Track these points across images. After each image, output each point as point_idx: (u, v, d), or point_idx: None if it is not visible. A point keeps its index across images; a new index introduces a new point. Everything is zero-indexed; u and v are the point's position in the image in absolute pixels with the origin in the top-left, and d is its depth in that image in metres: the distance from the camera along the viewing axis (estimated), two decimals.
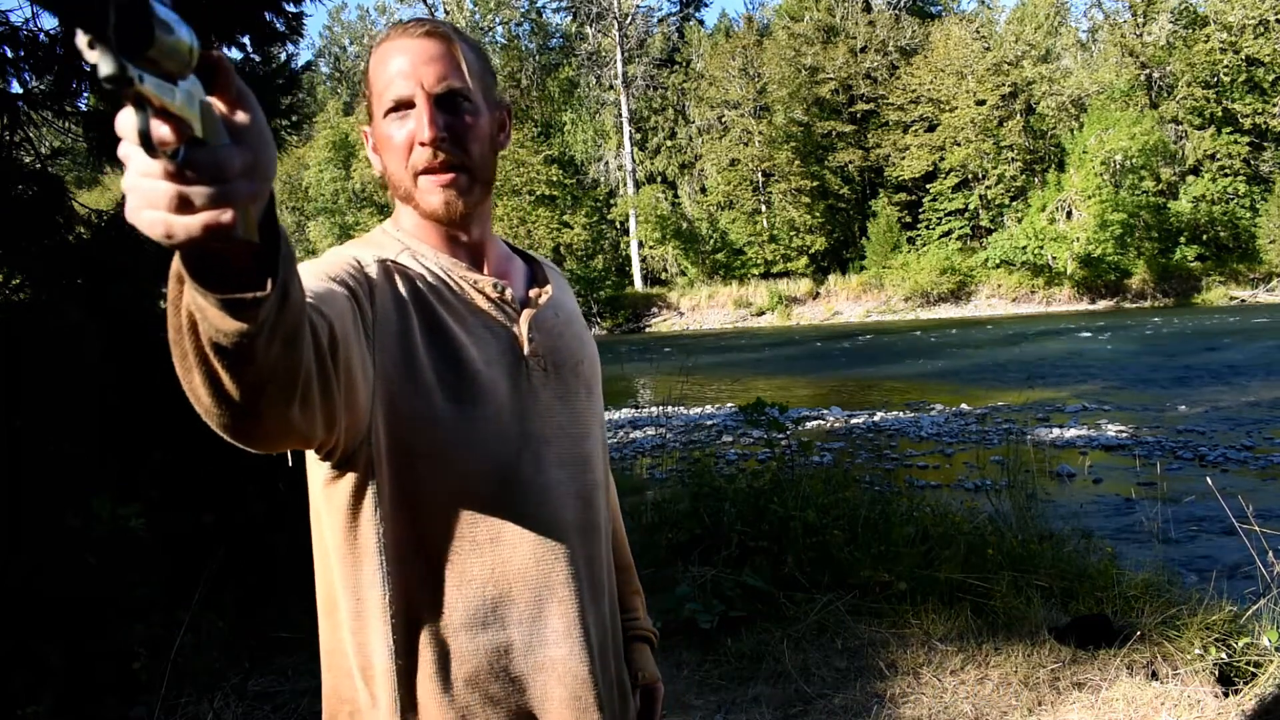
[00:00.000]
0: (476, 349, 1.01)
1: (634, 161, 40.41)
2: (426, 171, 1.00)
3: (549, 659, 1.01)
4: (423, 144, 0.99)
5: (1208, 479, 4.31)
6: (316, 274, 0.91)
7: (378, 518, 0.96)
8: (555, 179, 38.60)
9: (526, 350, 1.05)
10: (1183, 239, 31.32)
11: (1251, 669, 2.90)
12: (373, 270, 0.97)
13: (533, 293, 1.11)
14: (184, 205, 0.52)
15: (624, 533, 1.33)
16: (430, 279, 1.02)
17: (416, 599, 0.98)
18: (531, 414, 1.03)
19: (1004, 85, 34.44)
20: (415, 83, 0.99)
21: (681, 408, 10.95)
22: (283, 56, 4.62)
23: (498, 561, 0.99)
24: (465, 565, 0.98)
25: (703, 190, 39.50)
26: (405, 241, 1.06)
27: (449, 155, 1.00)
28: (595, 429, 1.13)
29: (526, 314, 1.07)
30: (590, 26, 41.22)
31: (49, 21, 5.69)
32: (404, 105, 1.00)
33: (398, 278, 0.99)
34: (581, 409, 1.10)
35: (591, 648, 1.04)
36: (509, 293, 1.07)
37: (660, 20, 43.85)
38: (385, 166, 1.04)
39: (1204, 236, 31.49)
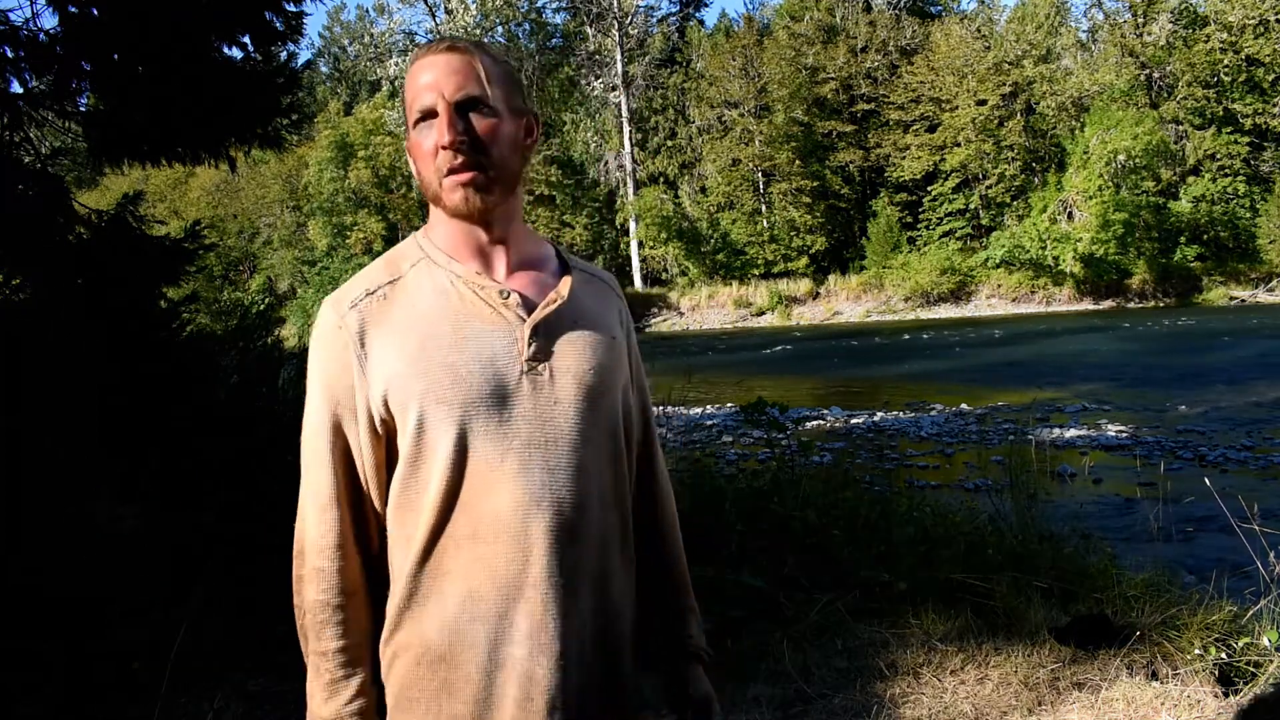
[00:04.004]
0: (470, 355, 1.08)
1: (634, 161, 40.39)
2: (450, 172, 1.10)
3: (510, 657, 1.07)
4: (443, 147, 1.09)
5: (1205, 480, 4.31)
6: (319, 440, 1.12)
7: (387, 511, 1.13)
8: (555, 179, 38.60)
9: (524, 357, 1.10)
10: (1183, 239, 31.29)
11: (1251, 669, 2.89)
12: (353, 325, 1.10)
13: (546, 299, 1.15)
14: None
15: (678, 545, 1.33)
16: (437, 290, 1.12)
17: (403, 587, 1.09)
18: (521, 419, 1.08)
19: (1005, 85, 34.43)
20: (437, 93, 1.10)
21: (681, 408, 10.95)
22: (283, 56, 4.62)
23: (472, 558, 1.07)
24: (444, 559, 1.08)
25: (703, 190, 39.48)
26: (426, 249, 1.16)
27: (468, 156, 1.09)
28: (596, 437, 1.13)
29: (532, 320, 1.12)
30: (590, 26, 41.19)
31: (49, 21, 5.70)
32: (429, 115, 1.11)
33: (395, 306, 1.12)
34: (580, 417, 1.11)
35: (556, 653, 1.07)
36: (514, 298, 1.12)
37: (660, 20, 43.85)
38: (418, 172, 1.14)
39: (1204, 236, 31.47)
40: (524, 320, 1.11)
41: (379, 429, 1.10)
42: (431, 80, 1.09)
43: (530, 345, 1.10)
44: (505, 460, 1.06)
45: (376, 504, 1.13)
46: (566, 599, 1.08)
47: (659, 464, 1.32)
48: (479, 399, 1.06)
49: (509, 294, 1.12)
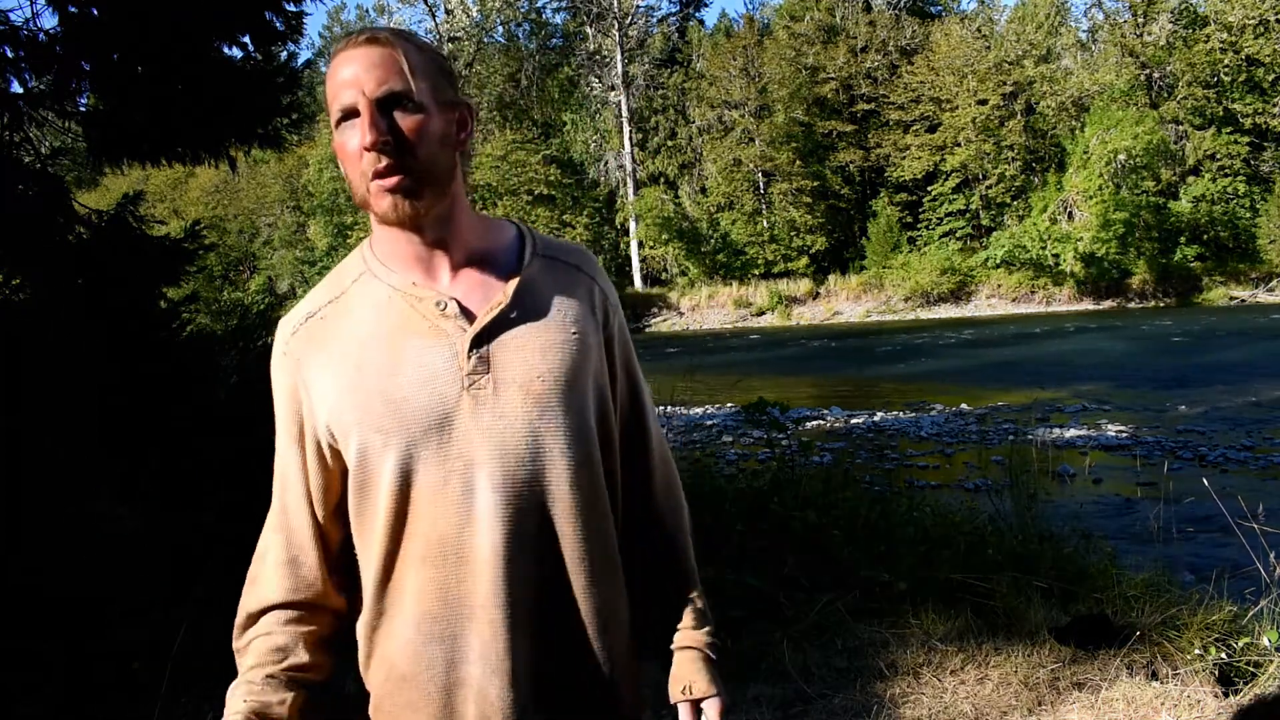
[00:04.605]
0: (407, 379, 1.04)
1: (634, 161, 40.39)
2: (375, 176, 1.02)
3: (469, 676, 1.06)
4: (366, 149, 1.01)
5: (1203, 480, 4.30)
6: (285, 460, 1.12)
7: (351, 530, 1.12)
8: (555, 179, 38.61)
9: (465, 372, 1.05)
10: (1183, 239, 31.30)
11: (1251, 669, 2.89)
12: (295, 352, 1.10)
13: (488, 305, 1.08)
14: None
15: (676, 537, 1.26)
16: (376, 307, 1.08)
17: (370, 607, 1.10)
18: (464, 436, 1.04)
19: (1005, 85, 34.44)
20: (358, 90, 1.01)
21: (681, 408, 10.95)
22: (283, 56, 4.62)
23: (425, 580, 1.05)
24: (401, 579, 1.07)
25: (703, 190, 39.48)
26: (368, 261, 1.12)
27: (393, 158, 1.01)
28: (554, 446, 1.07)
29: (472, 331, 1.06)
30: (590, 26, 41.19)
31: (49, 21, 5.70)
32: (351, 114, 1.02)
33: (334, 328, 1.09)
34: (531, 428, 1.06)
35: (508, 672, 1.05)
36: (451, 309, 1.07)
37: (660, 20, 43.84)
38: (346, 176, 1.07)
39: (1204, 236, 31.47)
40: (464, 331, 1.06)
41: (327, 453, 1.09)
42: (351, 76, 1.01)
43: (470, 358, 1.05)
44: (448, 483, 1.03)
45: (323, 522, 1.11)
46: (521, 618, 1.05)
47: (654, 451, 1.25)
48: (416, 425, 1.03)
49: (446, 305, 1.06)
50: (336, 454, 1.09)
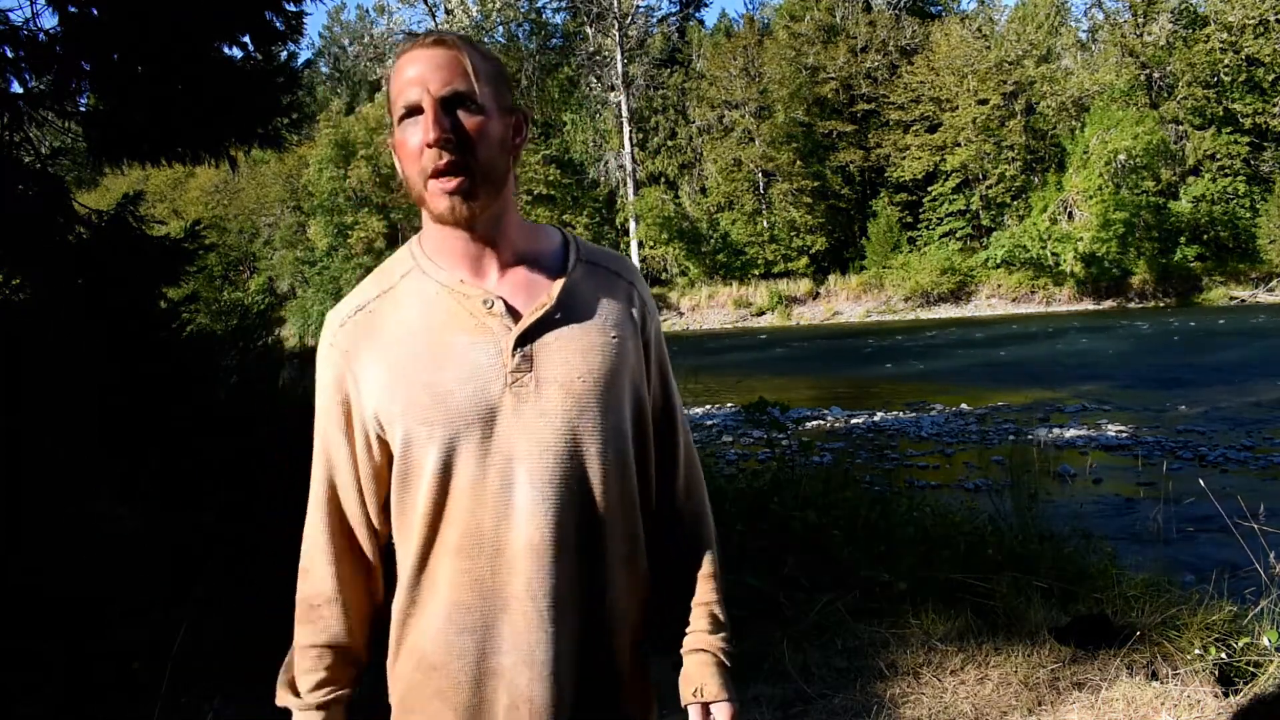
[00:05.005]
0: (451, 373, 1.07)
1: (634, 161, 40.37)
2: (435, 174, 1.05)
3: (500, 666, 1.08)
4: (429, 145, 1.03)
5: (1200, 480, 4.30)
6: (326, 458, 1.15)
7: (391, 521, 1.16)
8: (555, 179, 38.60)
9: (508, 369, 1.07)
10: (1183, 239, 31.29)
11: (1251, 669, 2.89)
12: (343, 344, 1.12)
13: (533, 306, 1.11)
14: None
15: (701, 541, 1.26)
16: (424, 302, 1.11)
17: (403, 596, 1.12)
18: (505, 432, 1.07)
19: (1005, 85, 34.43)
20: (423, 88, 1.04)
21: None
22: (283, 56, 4.63)
23: (459, 571, 1.08)
24: (435, 571, 1.10)
25: (703, 191, 39.47)
26: (416, 257, 1.15)
27: (454, 156, 1.04)
28: (591, 447, 1.09)
29: (517, 329, 1.09)
30: (590, 26, 41.17)
31: (49, 21, 5.69)
32: (414, 111, 1.05)
33: (382, 321, 1.11)
34: (570, 429, 1.08)
35: (539, 663, 1.08)
36: (497, 306, 1.09)
37: (660, 20, 43.82)
38: (403, 171, 1.09)
39: (1204, 236, 31.45)
40: (510, 330, 1.08)
41: (374, 445, 1.12)
42: (417, 75, 1.04)
43: (514, 356, 1.07)
44: (487, 476, 1.06)
45: (372, 513, 1.14)
46: (551, 611, 1.07)
47: (681, 453, 1.26)
48: (459, 417, 1.05)
49: (493, 303, 1.09)
50: (384, 445, 1.11)
